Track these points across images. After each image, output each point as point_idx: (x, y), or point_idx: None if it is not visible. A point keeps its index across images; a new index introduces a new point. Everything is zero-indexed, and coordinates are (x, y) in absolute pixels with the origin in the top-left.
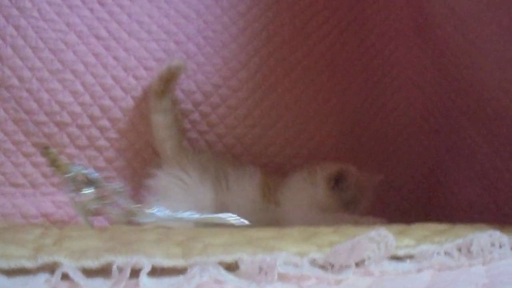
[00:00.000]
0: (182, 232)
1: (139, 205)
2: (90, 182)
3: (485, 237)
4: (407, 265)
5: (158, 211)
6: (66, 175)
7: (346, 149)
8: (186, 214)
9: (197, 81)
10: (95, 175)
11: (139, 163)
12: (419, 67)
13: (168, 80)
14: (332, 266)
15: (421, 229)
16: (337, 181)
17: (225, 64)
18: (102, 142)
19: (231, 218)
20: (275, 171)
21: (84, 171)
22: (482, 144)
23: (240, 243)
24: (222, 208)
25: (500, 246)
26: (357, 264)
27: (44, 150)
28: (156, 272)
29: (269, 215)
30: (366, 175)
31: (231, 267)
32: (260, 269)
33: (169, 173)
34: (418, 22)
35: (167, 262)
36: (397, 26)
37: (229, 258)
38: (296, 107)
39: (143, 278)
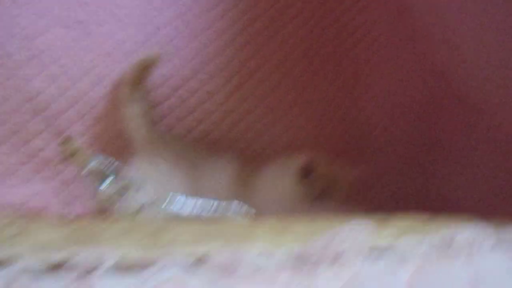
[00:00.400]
0: (150, 222)
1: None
2: (107, 174)
3: (468, 229)
4: (388, 258)
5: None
6: (88, 167)
7: (325, 137)
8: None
9: (175, 66)
10: (115, 165)
11: (114, 151)
12: (399, 58)
13: (143, 69)
14: (308, 260)
15: (402, 219)
16: (305, 173)
17: (203, 49)
18: (79, 128)
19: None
20: (252, 157)
21: (105, 162)
22: (462, 136)
23: (209, 234)
24: (198, 196)
25: (484, 240)
26: (333, 258)
27: (65, 141)
28: (121, 266)
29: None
30: (340, 166)
31: (200, 261)
32: (231, 264)
33: (142, 161)
34: (397, 12)
35: (131, 255)
36: (375, 16)
37: (198, 251)
38: (274, 95)
39: (101, 273)
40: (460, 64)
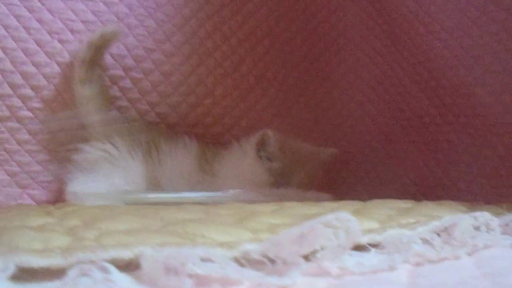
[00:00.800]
0: (81, 212)
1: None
2: None
3: (468, 219)
4: (375, 258)
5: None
6: None
7: (289, 120)
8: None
9: (128, 45)
10: None
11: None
12: (369, 36)
13: (99, 48)
14: (273, 262)
15: (380, 207)
16: (261, 146)
17: (159, 27)
18: (24, 113)
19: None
20: (212, 142)
21: None
22: (435, 116)
23: (148, 229)
24: (154, 182)
25: (488, 231)
26: (306, 258)
27: None
28: (33, 272)
29: (206, 188)
30: (296, 144)
31: (131, 266)
32: (167, 268)
33: (96, 146)
34: None
35: (38, 261)
36: None
37: (126, 254)
38: (234, 75)
39: None
40: (439, 50)
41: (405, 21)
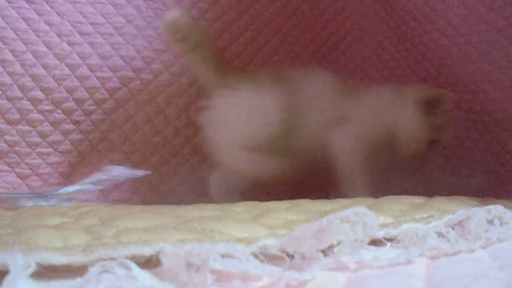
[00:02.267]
0: (97, 212)
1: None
2: None
3: (482, 212)
4: (391, 251)
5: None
6: None
7: None
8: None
9: (137, 46)
10: None
11: (78, 135)
12: (376, 34)
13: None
14: (292, 257)
15: (393, 203)
16: (430, 105)
17: None
18: (35, 115)
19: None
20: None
21: None
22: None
23: (165, 226)
24: (294, 114)
25: (502, 224)
26: (324, 253)
27: None
28: (53, 269)
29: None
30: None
31: (151, 262)
32: (189, 264)
33: (223, 96)
34: None
35: (59, 259)
36: None
37: (146, 251)
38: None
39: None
40: (447, 48)
41: (412, 19)
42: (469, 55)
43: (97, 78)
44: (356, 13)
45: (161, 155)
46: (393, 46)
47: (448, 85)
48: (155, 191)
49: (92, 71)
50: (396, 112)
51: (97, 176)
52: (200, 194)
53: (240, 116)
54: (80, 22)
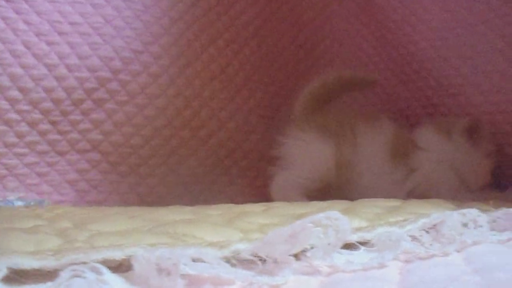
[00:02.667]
0: (72, 214)
1: None
2: None
3: (456, 216)
4: (364, 255)
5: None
6: None
7: (276, 122)
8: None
9: (116, 47)
10: None
11: (55, 135)
12: (356, 37)
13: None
14: (264, 261)
15: (369, 206)
16: (472, 131)
17: (147, 29)
18: (12, 115)
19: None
20: (198, 145)
21: None
22: (423, 115)
23: (138, 230)
24: (348, 167)
25: (476, 227)
26: (296, 257)
27: None
28: (25, 274)
29: (398, 179)
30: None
31: (123, 267)
32: (159, 269)
33: (291, 136)
34: None
35: (31, 263)
36: None
37: (118, 255)
38: (222, 77)
39: None
40: (426, 51)
41: (391, 22)
42: (448, 59)
43: (75, 78)
44: (335, 16)
45: (139, 156)
46: (372, 49)
47: (428, 88)
48: (134, 191)
49: (70, 71)
50: (453, 154)
51: None
52: (177, 195)
53: (302, 158)
54: (59, 22)
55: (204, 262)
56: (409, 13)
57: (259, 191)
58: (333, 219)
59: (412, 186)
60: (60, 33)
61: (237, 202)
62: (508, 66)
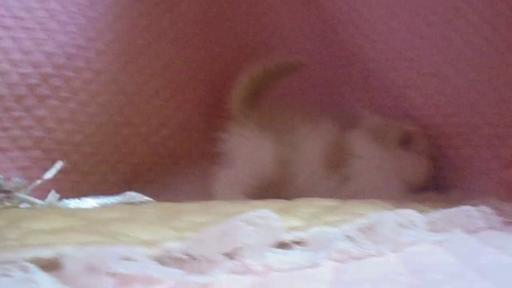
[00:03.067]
0: (4, 212)
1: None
2: None
3: (393, 216)
4: (298, 255)
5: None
6: None
7: (218, 121)
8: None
9: (60, 42)
10: None
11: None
12: (300, 37)
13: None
14: (196, 260)
15: (306, 205)
16: (406, 140)
17: (91, 25)
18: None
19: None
20: (139, 142)
21: None
22: (365, 117)
23: (71, 228)
24: (286, 167)
25: (412, 228)
26: (229, 256)
27: None
28: None
29: (333, 186)
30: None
31: (54, 265)
32: (89, 268)
33: (233, 132)
34: None
35: None
36: None
37: (48, 253)
38: (165, 74)
39: None
40: (370, 52)
41: (336, 22)
42: (393, 61)
43: (18, 74)
44: (280, 16)
45: (81, 153)
46: (317, 51)
47: (372, 90)
48: (75, 188)
49: (13, 66)
50: (388, 160)
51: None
52: (118, 193)
53: (243, 155)
54: (2, 16)
55: (134, 260)
56: (354, 14)
57: (200, 189)
58: (264, 218)
59: (348, 195)
60: (4, 28)
61: (178, 200)
62: (450, 69)
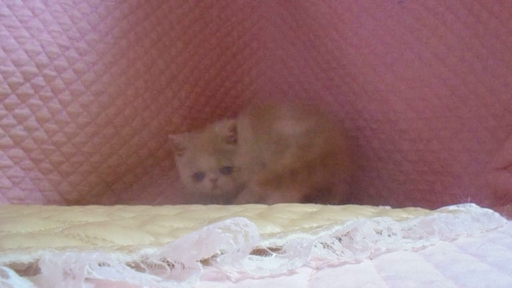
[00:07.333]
0: None
1: None
2: None
3: (370, 224)
4: (275, 262)
5: None
6: None
7: (199, 122)
8: None
9: (43, 41)
10: None
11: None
12: (283, 40)
13: None
14: (173, 266)
15: (285, 211)
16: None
17: (74, 24)
18: None
19: None
20: (120, 143)
21: None
22: (346, 121)
23: (50, 232)
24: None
25: (389, 235)
26: (206, 262)
27: None
28: None
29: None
30: None
31: (32, 270)
32: (66, 273)
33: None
34: None
35: None
36: None
37: (26, 258)
38: (147, 75)
39: None
40: (352, 57)
41: (319, 27)
42: (373, 66)
43: (0, 72)
44: (263, 18)
45: (62, 153)
46: (299, 53)
47: (352, 94)
48: (55, 189)
49: None
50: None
51: None
52: (99, 194)
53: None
54: None
55: (110, 266)
56: (337, 20)
57: (181, 192)
58: (241, 225)
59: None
60: None
61: (157, 203)
62: (429, 75)
